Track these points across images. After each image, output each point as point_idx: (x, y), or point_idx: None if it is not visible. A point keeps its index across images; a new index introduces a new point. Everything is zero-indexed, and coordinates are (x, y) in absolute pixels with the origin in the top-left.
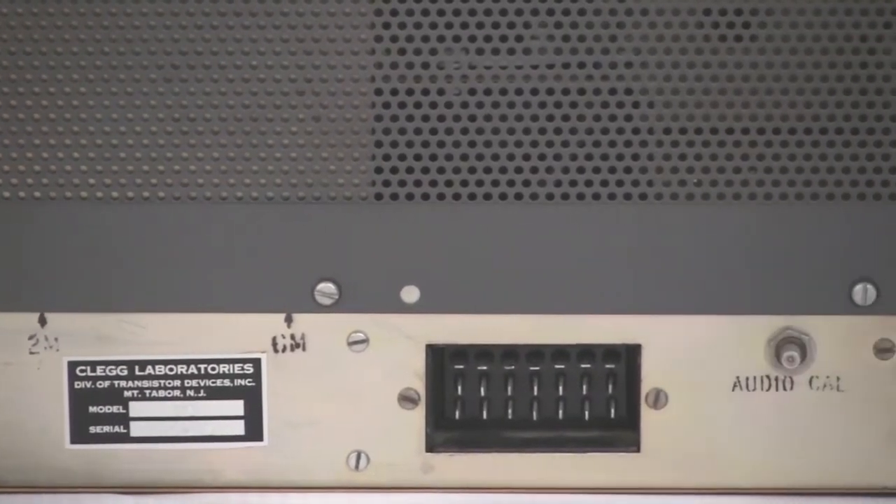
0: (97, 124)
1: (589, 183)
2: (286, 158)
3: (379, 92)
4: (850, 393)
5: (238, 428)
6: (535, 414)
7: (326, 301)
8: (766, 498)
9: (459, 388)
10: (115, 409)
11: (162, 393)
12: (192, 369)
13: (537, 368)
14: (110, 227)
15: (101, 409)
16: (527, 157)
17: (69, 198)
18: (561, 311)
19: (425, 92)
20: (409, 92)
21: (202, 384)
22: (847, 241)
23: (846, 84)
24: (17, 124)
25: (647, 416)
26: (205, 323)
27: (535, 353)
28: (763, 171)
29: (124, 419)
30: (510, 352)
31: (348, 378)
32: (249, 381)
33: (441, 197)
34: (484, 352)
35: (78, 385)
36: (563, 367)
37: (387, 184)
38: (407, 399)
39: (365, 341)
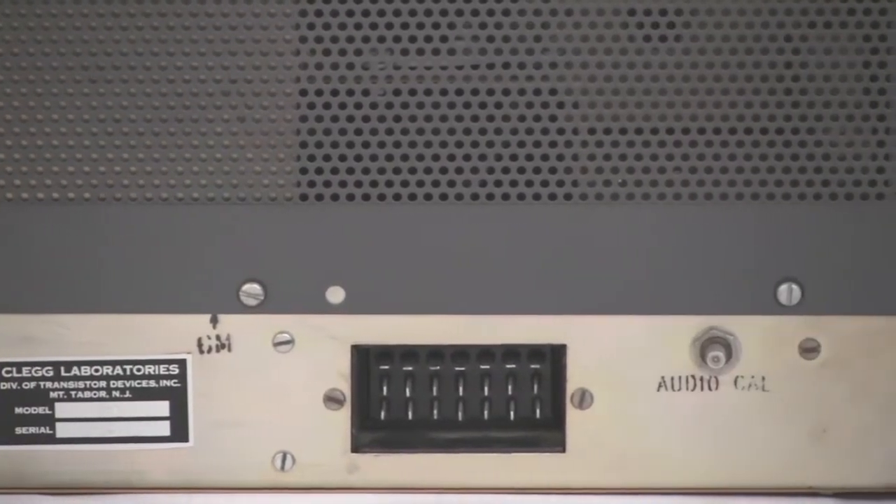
0: (21, 125)
1: (514, 183)
2: (211, 159)
3: (304, 92)
4: (775, 393)
5: (164, 429)
6: (460, 414)
7: (252, 302)
8: (691, 498)
9: (385, 389)
10: (40, 410)
11: (88, 394)
12: (118, 370)
13: (463, 369)
14: (33, 228)
15: (26, 410)
16: (451, 158)
17: None
18: (486, 312)
19: (350, 92)
20: (335, 92)
21: (128, 385)
22: (772, 242)
23: (771, 84)
24: None
25: (573, 416)
26: (130, 324)
27: (461, 353)
28: (688, 172)
29: (50, 420)
30: (435, 352)
31: (274, 379)
32: (175, 382)
33: (366, 197)
34: (409, 352)
35: (3, 386)
36: (488, 367)
37: (312, 184)
38: (332, 399)
39: (290, 342)
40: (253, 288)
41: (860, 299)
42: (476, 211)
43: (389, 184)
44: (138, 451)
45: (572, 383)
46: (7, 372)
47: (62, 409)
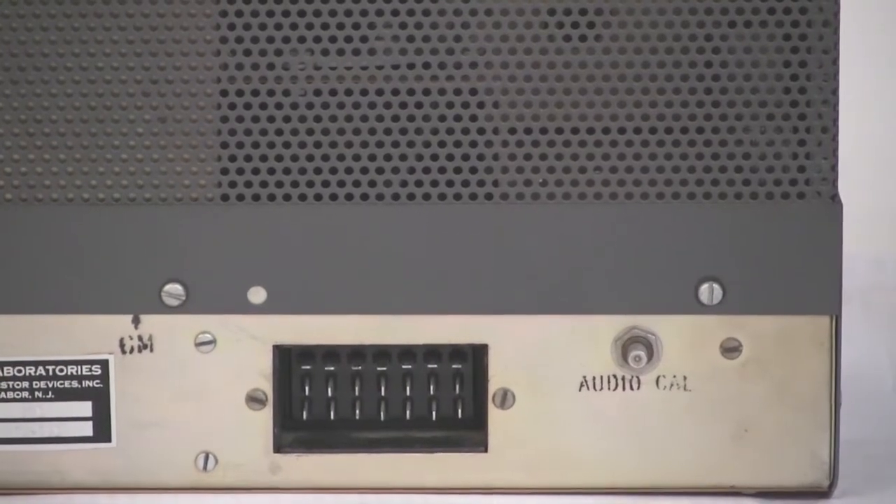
0: None
1: (434, 183)
2: (132, 159)
3: (224, 93)
4: (697, 392)
5: (86, 429)
6: (382, 414)
7: (173, 302)
8: (614, 497)
9: (306, 389)
10: None
11: (10, 394)
12: (40, 370)
13: (384, 369)
14: None
15: None
16: (372, 158)
17: None
18: (407, 311)
19: (271, 93)
20: (255, 93)
21: (50, 385)
22: (693, 241)
23: (691, 83)
24: None
25: (495, 416)
26: (52, 324)
27: (382, 353)
28: (609, 171)
29: None
30: (357, 352)
31: (196, 379)
32: (97, 383)
33: (287, 198)
34: (331, 352)
35: None
36: (409, 367)
37: (233, 185)
38: (254, 400)
39: (212, 342)
40: (175, 288)
41: (781, 299)
42: (396, 211)
43: (310, 184)
44: (61, 452)
45: (494, 383)
46: None
47: None
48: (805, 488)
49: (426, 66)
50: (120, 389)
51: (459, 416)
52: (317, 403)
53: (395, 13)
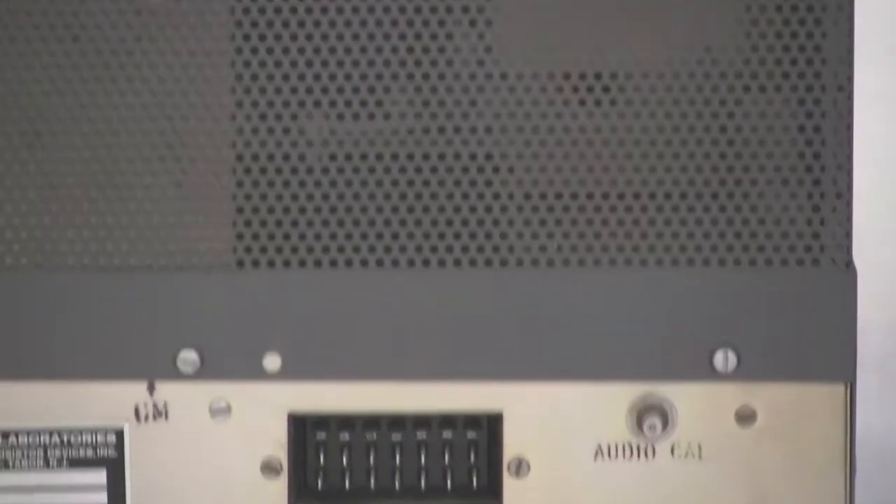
0: None
1: (449, 248)
2: (147, 225)
3: (240, 157)
4: (712, 461)
5: (101, 498)
6: (397, 484)
7: (188, 369)
8: None
9: (321, 458)
10: None
11: (24, 463)
12: (55, 438)
13: (399, 438)
14: None
15: None
16: (387, 223)
17: None
18: (422, 379)
19: (286, 157)
20: (270, 157)
21: (65, 454)
22: (708, 307)
23: (705, 148)
24: None
25: (510, 484)
26: (67, 391)
27: (397, 421)
28: (623, 237)
29: None
30: (372, 421)
31: (211, 447)
32: (112, 451)
33: (303, 263)
34: (346, 421)
35: None
36: (424, 435)
37: (248, 250)
38: (269, 468)
39: (227, 409)
40: (190, 355)
41: (796, 366)
42: (411, 277)
43: (325, 250)
44: None
45: (509, 452)
46: None
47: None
48: None
49: (441, 130)
50: (135, 458)
51: (474, 485)
52: (332, 472)
53: (410, 77)
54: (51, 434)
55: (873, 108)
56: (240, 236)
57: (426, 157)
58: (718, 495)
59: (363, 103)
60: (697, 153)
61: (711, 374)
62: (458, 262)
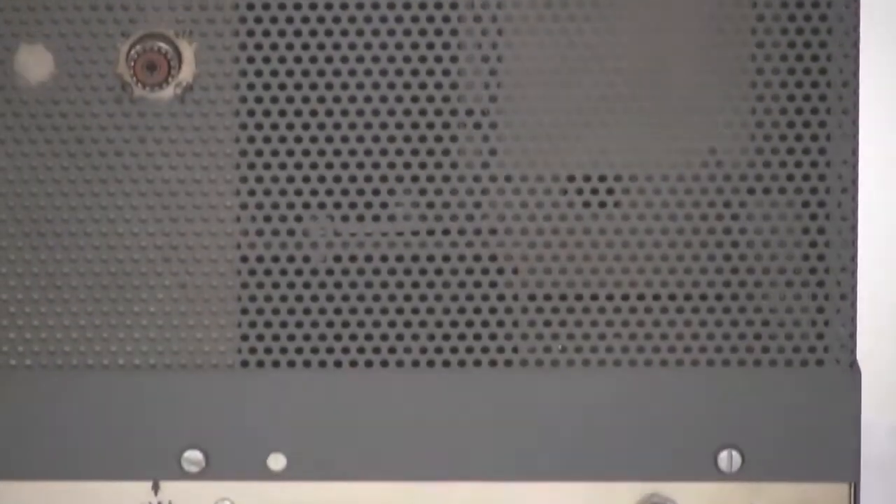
0: None
1: (454, 350)
2: (153, 326)
3: (244, 259)
4: None
5: None
6: None
7: (193, 468)
8: None
9: None
10: None
11: None
12: None
13: None
14: None
15: None
16: (392, 324)
17: None
18: (426, 478)
19: (290, 259)
20: (275, 259)
21: None
22: (712, 408)
23: (709, 250)
24: None
25: None
26: (72, 490)
27: None
28: (628, 338)
29: None
30: None
31: None
32: None
33: (307, 364)
34: None
35: None
36: None
37: (253, 351)
38: None
39: None
40: (194, 455)
41: (800, 466)
42: (416, 377)
43: (330, 350)
44: None
45: None
46: None
47: None
48: None
49: (445, 232)
50: None
51: None
52: None
53: (415, 179)
54: None
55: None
56: (244, 337)
57: (430, 258)
58: None
59: (367, 205)
60: (702, 255)
61: (716, 474)
62: (462, 363)
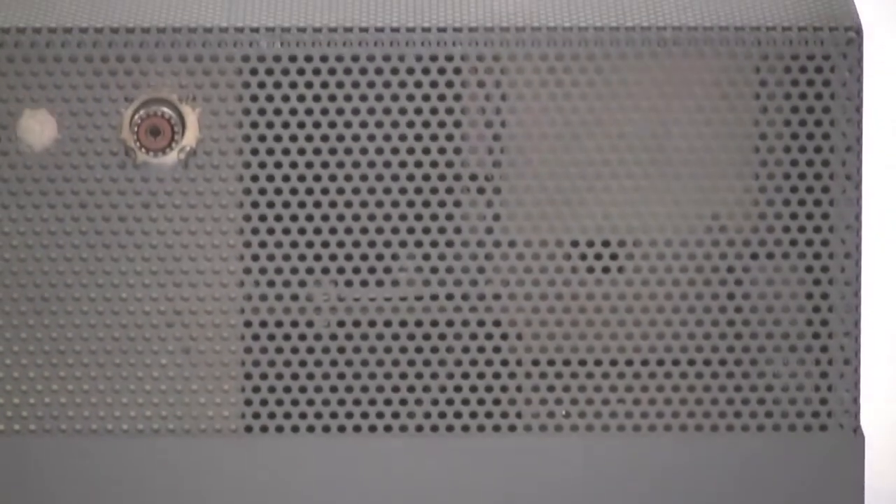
0: None
1: (458, 415)
2: (156, 390)
3: (248, 323)
4: None
5: None
6: None
7: None
8: None
9: None
10: None
11: None
12: None
13: None
14: None
15: None
16: (396, 389)
17: None
18: None
19: (294, 324)
20: (279, 324)
21: None
22: (716, 473)
23: (713, 315)
24: None
25: None
26: None
27: None
28: (632, 403)
29: None
30: None
31: None
32: None
33: (311, 429)
34: None
35: None
36: None
37: (256, 416)
38: None
39: None
40: None
41: None
42: (420, 442)
43: (334, 415)
44: None
45: None
46: None
47: None
48: None
49: (449, 297)
50: None
51: None
52: None
53: (419, 244)
54: None
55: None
56: (248, 402)
57: (434, 323)
58: None
59: (371, 270)
60: (705, 319)
61: None
62: (465, 428)
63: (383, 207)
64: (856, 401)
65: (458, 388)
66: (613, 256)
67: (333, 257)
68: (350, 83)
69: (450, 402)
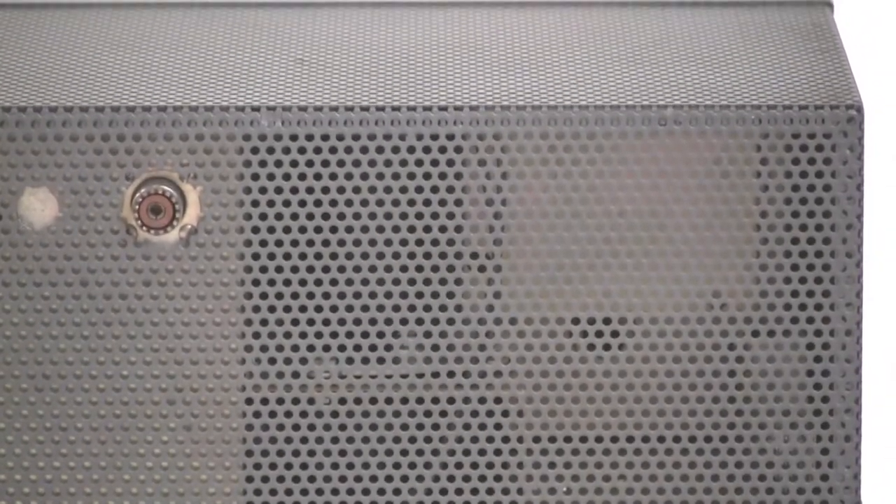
0: None
1: (459, 491)
2: (157, 467)
3: (250, 401)
4: None
5: None
6: None
7: None
8: None
9: None
10: None
11: None
12: None
13: None
14: None
15: None
16: (397, 466)
17: None
18: None
19: (296, 401)
20: (280, 401)
21: None
22: None
23: (714, 392)
24: None
25: None
26: None
27: None
28: (632, 480)
29: None
30: None
31: None
32: None
33: None
34: None
35: None
36: None
37: (258, 493)
38: None
39: None
40: None
41: None
42: None
43: (335, 492)
44: None
45: None
46: None
47: None
48: None
49: (450, 374)
50: None
51: None
52: None
53: (420, 321)
54: None
55: None
56: (249, 479)
57: (435, 400)
58: None
59: (372, 348)
60: (706, 396)
61: None
62: None
63: (384, 285)
64: (856, 477)
65: (459, 465)
66: (614, 334)
67: (334, 335)
68: (351, 161)
69: (451, 478)
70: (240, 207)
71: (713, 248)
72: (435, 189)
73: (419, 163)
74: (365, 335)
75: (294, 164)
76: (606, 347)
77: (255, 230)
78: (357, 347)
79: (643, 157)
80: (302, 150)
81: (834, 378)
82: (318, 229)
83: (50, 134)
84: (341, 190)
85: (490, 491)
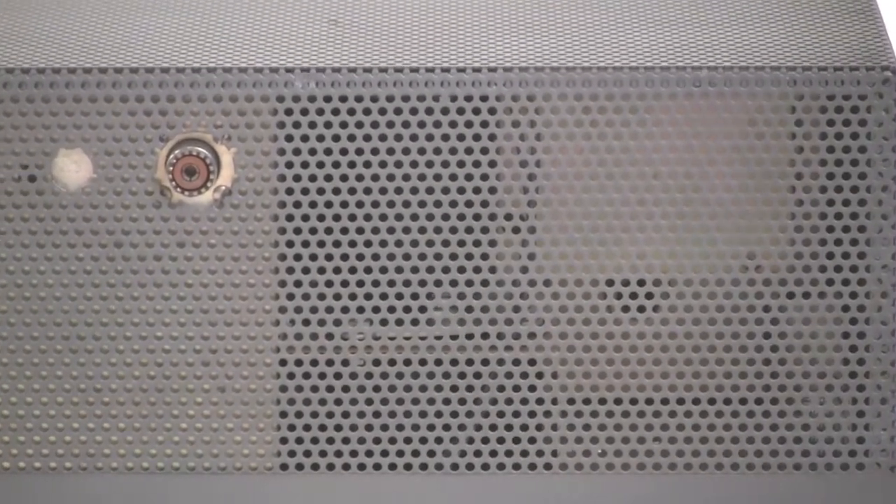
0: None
1: (493, 453)
2: (192, 429)
3: (283, 363)
4: None
5: None
6: None
7: None
8: None
9: None
10: None
11: None
12: None
13: None
14: (10, 500)
15: None
16: (431, 428)
17: None
18: None
19: (330, 362)
20: (314, 363)
21: None
22: None
23: (749, 354)
24: None
25: None
26: None
27: None
28: (668, 442)
29: None
30: None
31: None
32: None
33: (346, 467)
34: None
35: None
36: None
37: (292, 454)
38: None
39: None
40: None
41: None
42: (455, 481)
43: (369, 454)
44: None
45: None
46: None
47: None
48: None
49: (484, 336)
50: None
51: None
52: None
53: (454, 283)
54: None
55: None
56: (283, 440)
57: (469, 362)
58: None
59: (406, 309)
60: (741, 358)
61: None
62: (501, 467)
63: (418, 247)
64: (893, 439)
65: (493, 427)
66: (649, 295)
67: (368, 296)
68: (385, 123)
69: (485, 440)
70: (273, 169)
71: (748, 209)
72: (469, 151)
73: (453, 124)
74: (399, 297)
75: (328, 125)
76: (640, 309)
77: (289, 192)
78: (391, 309)
79: (677, 118)
80: (335, 112)
81: (869, 340)
82: (351, 191)
83: (84, 95)
84: (375, 151)
85: (524, 453)
